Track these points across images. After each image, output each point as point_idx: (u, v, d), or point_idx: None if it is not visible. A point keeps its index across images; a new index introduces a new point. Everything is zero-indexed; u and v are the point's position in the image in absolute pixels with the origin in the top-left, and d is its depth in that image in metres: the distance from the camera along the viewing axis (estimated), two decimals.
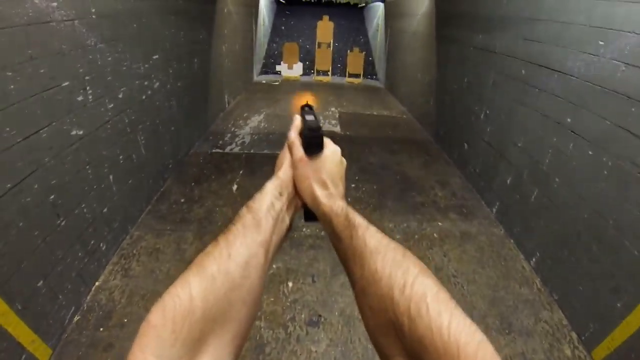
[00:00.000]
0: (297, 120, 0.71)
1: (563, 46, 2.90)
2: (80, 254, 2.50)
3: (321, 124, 0.68)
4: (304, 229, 3.55)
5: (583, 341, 2.45)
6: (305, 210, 0.69)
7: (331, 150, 0.69)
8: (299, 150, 0.67)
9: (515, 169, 3.55)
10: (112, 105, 2.83)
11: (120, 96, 2.95)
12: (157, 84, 3.68)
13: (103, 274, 2.78)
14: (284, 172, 0.67)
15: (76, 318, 2.43)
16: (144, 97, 3.40)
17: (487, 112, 4.18)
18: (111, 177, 2.85)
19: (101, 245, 2.75)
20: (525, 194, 3.34)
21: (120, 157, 3.00)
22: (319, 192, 0.64)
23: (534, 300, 2.86)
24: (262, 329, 2.52)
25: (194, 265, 0.50)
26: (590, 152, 2.55)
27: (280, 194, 0.63)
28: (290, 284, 2.92)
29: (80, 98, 2.45)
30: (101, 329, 2.38)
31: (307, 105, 0.75)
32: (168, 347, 0.41)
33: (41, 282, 2.12)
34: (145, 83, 3.43)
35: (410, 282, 0.46)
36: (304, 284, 2.93)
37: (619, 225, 2.27)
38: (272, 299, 2.76)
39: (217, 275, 0.48)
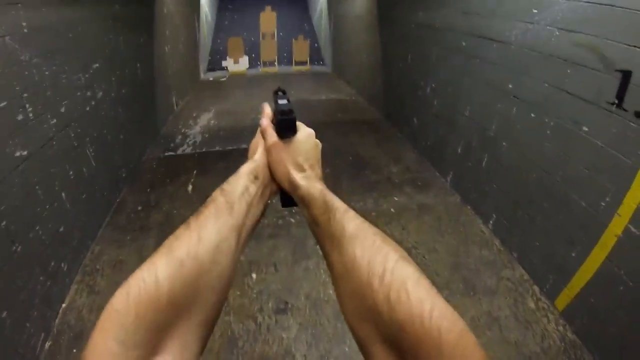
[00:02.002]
0: (267, 108, 0.70)
1: (500, 16, 3.02)
2: (41, 277, 2.38)
3: (293, 107, 0.67)
4: (261, 219, 3.56)
5: (545, 293, 2.61)
6: (282, 195, 0.68)
7: (305, 132, 0.68)
8: (272, 135, 0.65)
9: (464, 138, 3.69)
10: (55, 120, 2.69)
11: (63, 110, 2.80)
12: (101, 93, 3.54)
13: (69, 295, 2.67)
14: (259, 155, 0.65)
15: (48, 344, 2.33)
16: (88, 108, 3.25)
17: (433, 85, 4.30)
18: (63, 194, 2.73)
19: (62, 265, 2.64)
20: (476, 160, 3.48)
21: (71, 172, 2.87)
22: (296, 175, 0.62)
23: (495, 261, 3.01)
24: (232, 324, 2.51)
25: (163, 248, 0.47)
26: (532, 115, 2.69)
27: (256, 178, 0.62)
28: (254, 275, 2.92)
29: (20, 117, 2.31)
30: (74, 351, 2.30)
31: (279, 89, 0.73)
32: (131, 333, 0.40)
33: (5, 313, 2.01)
34: (88, 94, 3.28)
35: (390, 269, 0.44)
36: (268, 274, 2.95)
37: (566, 181, 2.42)
38: (238, 293, 2.75)
39: (186, 260, 0.45)
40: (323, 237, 0.56)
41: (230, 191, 0.57)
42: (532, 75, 2.67)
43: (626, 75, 1.87)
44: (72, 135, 2.93)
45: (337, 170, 4.48)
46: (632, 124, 1.91)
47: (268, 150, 0.65)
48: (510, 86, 2.90)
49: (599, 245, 2.15)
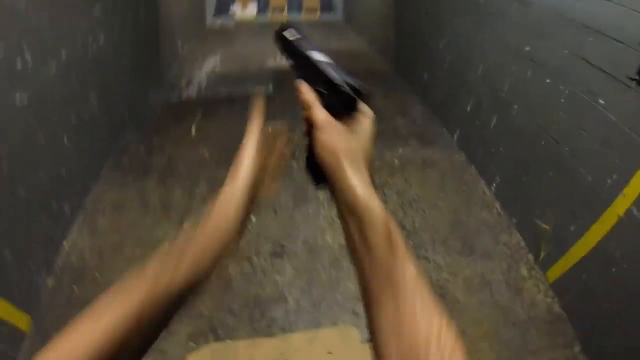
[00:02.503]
0: (304, 86, 0.52)
1: None
2: (44, 219, 2.44)
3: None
4: None
5: (539, 262, 2.62)
6: (313, 174, 0.54)
7: (369, 115, 0.51)
8: (322, 110, 0.49)
9: (475, 97, 3.56)
10: (55, 67, 2.63)
11: (64, 57, 2.73)
12: (102, 38, 3.42)
13: (70, 235, 2.74)
14: (245, 173, 0.56)
15: (50, 282, 2.43)
16: (89, 53, 3.16)
17: (446, 41, 4.09)
18: (65, 138, 2.72)
19: (64, 207, 2.69)
20: (485, 120, 3.38)
21: (73, 117, 2.85)
22: (353, 178, 0.45)
23: (494, 224, 3.01)
24: (228, 265, 2.57)
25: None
26: (548, 80, 2.55)
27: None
28: (253, 218, 2.95)
29: (19, 64, 2.26)
30: (75, 289, 2.40)
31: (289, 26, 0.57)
32: None
33: (7, 252, 2.08)
34: (89, 40, 3.17)
35: (444, 330, 0.39)
36: (267, 217, 2.98)
37: (575, 152, 2.34)
38: None
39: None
40: (374, 275, 0.43)
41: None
42: (551, 39, 2.50)
43: None
44: (74, 81, 2.89)
45: None
46: None
47: (319, 129, 0.48)
48: (527, 48, 2.73)
49: (599, 222, 2.11)
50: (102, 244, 2.70)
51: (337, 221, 0.60)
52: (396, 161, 3.71)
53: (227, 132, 4.03)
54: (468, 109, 3.67)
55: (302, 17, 10.58)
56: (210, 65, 6.19)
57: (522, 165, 2.88)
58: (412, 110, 4.69)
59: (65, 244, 2.68)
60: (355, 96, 0.49)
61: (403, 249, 0.43)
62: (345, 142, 0.47)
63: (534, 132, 2.72)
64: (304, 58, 0.54)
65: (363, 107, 0.50)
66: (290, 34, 0.57)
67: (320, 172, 0.50)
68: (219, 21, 9.98)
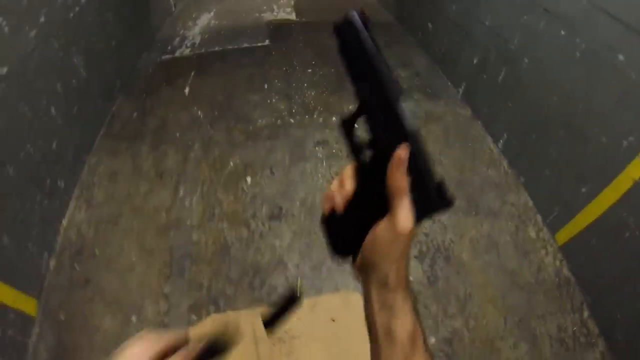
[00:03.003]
0: (404, 152, 0.43)
1: None
2: (38, 197, 2.37)
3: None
4: (259, 120, 3.47)
5: (547, 224, 2.57)
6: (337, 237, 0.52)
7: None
8: (408, 208, 0.44)
9: (482, 49, 3.36)
10: (34, 31, 2.44)
11: (43, 19, 2.53)
12: None
13: (68, 211, 2.69)
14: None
15: (52, 263, 2.40)
16: (71, 15, 2.94)
17: None
18: (53, 109, 2.59)
19: (59, 182, 2.61)
20: (493, 74, 3.21)
21: (59, 85, 2.69)
22: (390, 300, 0.47)
23: (501, 183, 2.93)
24: (225, 230, 2.55)
25: None
26: (563, 33, 2.38)
27: None
28: (249, 179, 2.90)
29: None
30: (76, 267, 2.38)
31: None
32: None
33: (5, 237, 2.02)
34: (70, 0, 2.94)
35: None
36: (263, 177, 2.92)
37: (589, 111, 2.22)
38: (232, 198, 2.76)
39: None
40: None
41: None
42: None
43: None
44: (56, 45, 2.70)
45: (341, 71, 4.16)
46: None
47: (401, 238, 0.45)
48: None
49: (612, 186, 2.03)
50: (99, 218, 2.65)
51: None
52: None
53: (221, 89, 3.90)
54: (474, 61, 3.48)
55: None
56: (204, 20, 5.89)
57: (531, 123, 2.76)
58: (415, 61, 4.48)
59: (64, 221, 2.63)
60: (444, 208, 0.42)
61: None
62: (396, 267, 0.47)
63: (546, 87, 2.57)
64: (384, 100, 0.43)
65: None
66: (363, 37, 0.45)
67: (346, 243, 0.49)
68: None
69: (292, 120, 3.47)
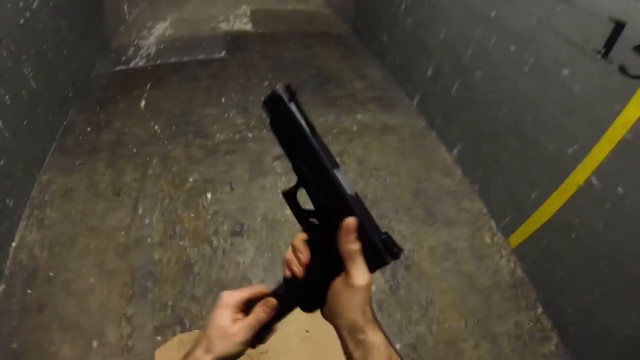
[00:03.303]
0: (353, 221, 0.50)
1: None
2: None
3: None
4: (217, 135, 3.43)
5: (501, 228, 2.71)
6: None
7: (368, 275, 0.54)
8: (363, 268, 0.51)
9: (436, 61, 3.50)
10: None
11: None
12: (36, 2, 3.01)
13: (18, 232, 2.53)
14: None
15: (1, 287, 2.25)
16: (21, 20, 2.78)
17: (408, 2, 3.96)
18: (0, 122, 2.44)
19: (7, 201, 2.45)
20: (446, 85, 3.35)
21: (7, 97, 2.52)
22: (367, 322, 0.52)
23: (456, 191, 3.05)
24: (187, 248, 2.50)
25: None
26: (512, 48, 2.53)
27: None
28: (209, 195, 2.86)
29: None
30: (29, 291, 2.24)
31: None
32: None
33: None
34: (21, 4, 2.78)
35: None
36: (223, 193, 2.89)
37: (537, 121, 2.37)
38: (193, 215, 2.71)
39: None
40: None
41: None
42: (518, 6, 2.45)
43: (619, 26, 1.73)
44: (5, 54, 2.54)
45: (298, 82, 4.24)
46: (613, 76, 1.82)
47: (362, 291, 0.51)
48: (493, 14, 2.67)
49: (559, 190, 2.18)
50: (53, 238, 2.51)
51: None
52: (355, 127, 3.65)
53: (178, 103, 3.81)
54: (429, 73, 3.62)
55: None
56: (159, 29, 5.74)
57: (484, 132, 2.90)
58: (370, 73, 4.58)
59: (13, 243, 2.48)
60: (389, 261, 0.48)
61: None
62: (362, 312, 0.51)
63: (496, 99, 2.72)
64: (322, 173, 0.48)
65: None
66: (294, 108, 0.47)
67: (311, 300, 0.53)
68: None
69: (250, 135, 3.45)
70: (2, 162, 2.43)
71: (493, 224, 2.77)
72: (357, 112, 3.84)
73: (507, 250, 2.59)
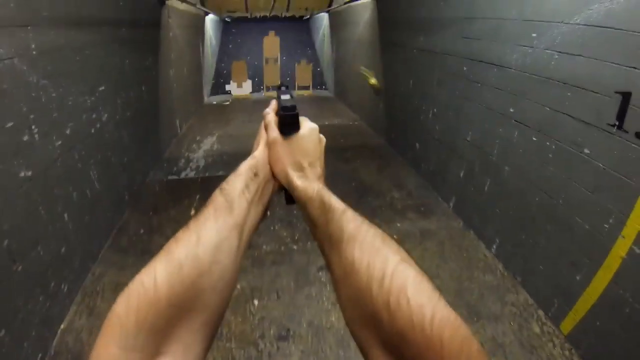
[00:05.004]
0: (274, 102, 0.68)
1: (500, 41, 3.07)
2: (41, 297, 2.37)
3: (296, 103, 0.65)
4: (264, 246, 3.55)
5: (550, 317, 2.56)
6: (285, 193, 0.65)
7: (308, 128, 0.65)
8: (274, 130, 0.63)
9: (466, 163, 3.70)
10: (60, 142, 2.71)
11: (68, 132, 2.83)
12: (106, 115, 3.57)
13: (68, 316, 2.64)
14: (259, 151, 0.63)
15: None
16: (92, 130, 3.28)
17: (435, 110, 4.33)
18: (66, 215, 2.73)
19: (62, 286, 2.62)
20: (478, 185, 3.48)
21: (74, 194, 2.87)
22: (293, 175, 0.61)
23: (499, 286, 2.97)
24: (233, 350, 2.48)
25: (162, 252, 0.47)
26: (534, 139, 2.70)
27: (256, 175, 0.60)
28: (256, 302, 2.89)
29: (26, 138, 2.33)
30: None
31: (282, 84, 0.72)
32: (132, 337, 0.40)
33: (3, 331, 1.99)
34: (93, 116, 3.31)
35: (389, 273, 0.42)
36: (270, 301, 2.91)
37: (569, 203, 2.41)
38: (240, 319, 2.72)
39: (185, 261, 0.45)
40: (322, 239, 0.54)
41: (229, 190, 0.56)
42: (532, 98, 2.70)
43: (626, 97, 1.89)
44: (77, 157, 2.95)
45: (338, 196, 4.45)
46: (633, 145, 1.92)
47: (268, 147, 0.64)
48: (511, 110, 2.92)
49: (604, 267, 2.12)
50: (100, 326, 2.59)
51: None
52: (395, 236, 3.72)
53: None
54: (461, 175, 3.79)
55: (295, 93, 11.07)
56: (207, 143, 6.35)
57: (519, 223, 2.92)
58: (406, 181, 4.81)
59: (62, 326, 2.57)
60: (289, 113, 0.64)
61: (339, 212, 0.52)
62: (288, 153, 0.62)
63: (527, 189, 2.80)
64: (278, 99, 0.70)
65: (304, 121, 0.66)
66: (282, 89, 0.72)
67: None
68: (215, 99, 10.37)
69: (295, 247, 3.59)
70: (63, 250, 2.66)
71: (541, 313, 2.62)
72: (396, 221, 3.95)
73: (560, 338, 2.41)
